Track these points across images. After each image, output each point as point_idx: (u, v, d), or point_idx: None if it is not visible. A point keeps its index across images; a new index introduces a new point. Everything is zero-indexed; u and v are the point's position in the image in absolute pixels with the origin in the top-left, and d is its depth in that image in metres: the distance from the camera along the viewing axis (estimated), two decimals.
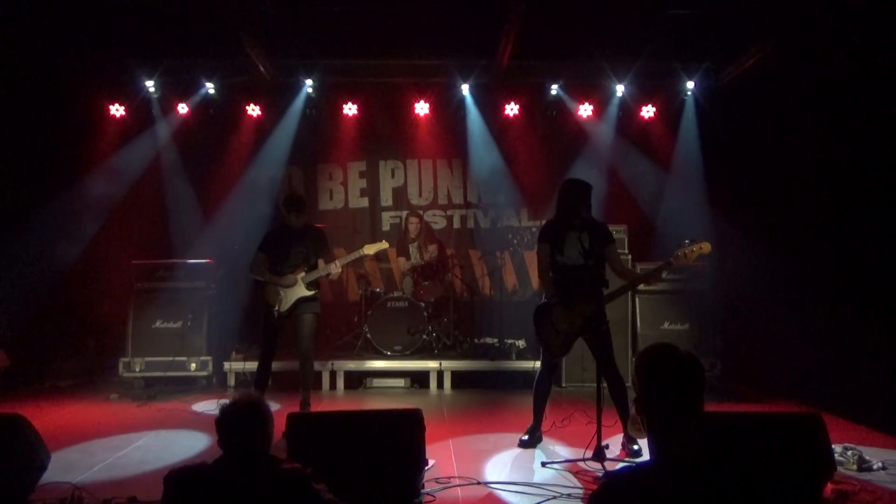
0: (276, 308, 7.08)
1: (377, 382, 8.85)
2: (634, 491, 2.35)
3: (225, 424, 3.16)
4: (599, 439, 5.36)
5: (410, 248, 9.83)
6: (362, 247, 7.48)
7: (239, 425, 3.14)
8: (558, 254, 5.88)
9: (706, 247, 5.42)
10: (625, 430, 5.84)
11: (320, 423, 4.63)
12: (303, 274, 7.15)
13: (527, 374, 8.82)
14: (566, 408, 7.26)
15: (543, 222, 6.21)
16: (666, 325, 8.76)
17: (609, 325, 5.75)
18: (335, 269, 7.11)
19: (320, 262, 7.20)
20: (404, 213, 10.53)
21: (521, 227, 10.71)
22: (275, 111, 10.06)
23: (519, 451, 5.96)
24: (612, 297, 5.79)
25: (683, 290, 8.80)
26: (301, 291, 7.13)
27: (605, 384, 5.69)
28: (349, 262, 7.64)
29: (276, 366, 8.19)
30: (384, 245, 7.69)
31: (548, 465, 5.48)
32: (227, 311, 9.13)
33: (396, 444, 4.56)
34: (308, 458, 3.67)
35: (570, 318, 5.74)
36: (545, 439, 6.18)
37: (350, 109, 10.03)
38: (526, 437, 6.08)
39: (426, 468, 4.80)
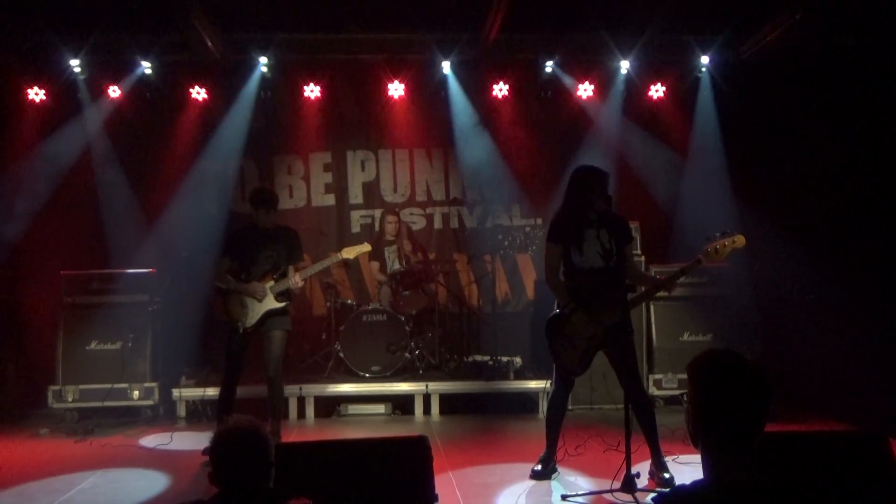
0: (241, 323, 7.03)
1: (353, 409, 8.82)
2: None
3: (222, 455, 3.12)
4: (629, 467, 5.39)
5: (386, 252, 9.81)
6: (339, 251, 7.49)
7: (239, 456, 3.10)
8: (576, 255, 5.87)
9: (740, 240, 5.47)
10: (654, 456, 5.88)
11: (311, 454, 4.57)
12: (272, 283, 7.10)
13: (526, 396, 8.90)
14: (577, 433, 7.30)
15: (551, 218, 6.16)
16: (686, 336, 8.86)
17: (633, 336, 5.78)
18: (296, 281, 7.09)
19: (291, 270, 7.17)
20: (377, 212, 10.50)
21: (513, 226, 10.74)
22: (224, 95, 9.96)
23: (532, 483, 5.98)
24: (634, 305, 5.82)
25: (705, 296, 8.90)
26: (270, 304, 7.09)
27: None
28: (322, 270, 7.64)
29: (240, 391, 8.17)
30: (366, 248, 7.70)
31: (569, 499, 5.50)
32: (174, 329, 9.05)
33: (401, 477, 4.51)
34: (298, 494, 3.64)
35: (590, 329, 5.76)
36: (559, 469, 6.22)
37: (312, 92, 9.97)
38: (539, 468, 6.10)
39: None
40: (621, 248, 5.89)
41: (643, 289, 5.96)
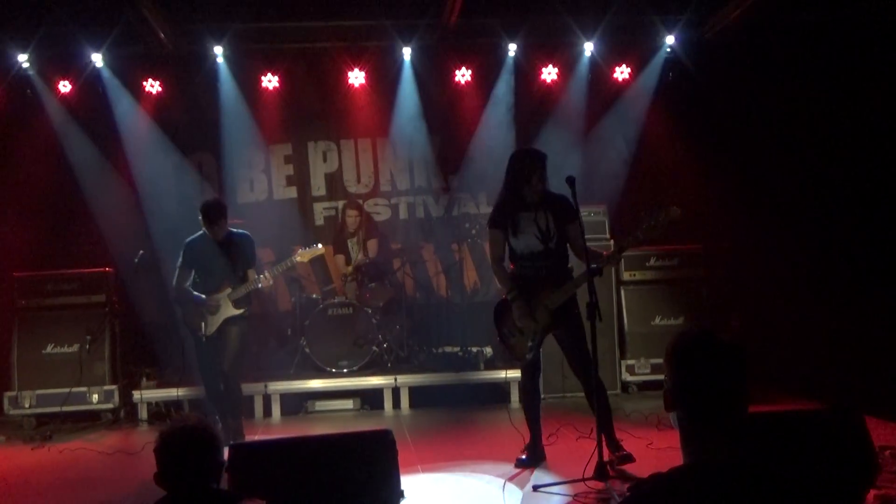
0: (201, 333, 7.11)
1: (321, 405, 8.72)
2: (667, 498, 2.32)
3: (168, 455, 3.02)
4: (601, 455, 5.32)
5: (350, 245, 9.69)
6: (294, 253, 7.61)
7: (186, 455, 3.00)
8: (512, 240, 5.88)
9: (674, 212, 5.36)
10: (608, 437, 5.78)
11: (270, 453, 4.47)
12: (229, 290, 7.16)
13: (498, 387, 8.84)
14: (550, 422, 7.17)
15: (493, 206, 6.19)
16: (657, 319, 8.83)
17: (581, 318, 5.72)
18: (265, 280, 7.17)
19: (250, 274, 7.22)
20: (341, 204, 10.39)
21: (480, 214, 10.60)
22: (178, 87, 9.86)
23: (507, 474, 5.92)
24: (578, 284, 5.72)
25: (676, 279, 8.86)
26: (228, 311, 7.19)
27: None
28: (281, 272, 7.74)
29: (197, 391, 8.09)
30: (320, 251, 7.79)
31: (541, 489, 5.43)
32: (134, 330, 8.97)
33: (365, 473, 4.42)
34: (257, 496, 3.53)
35: (534, 312, 5.74)
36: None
37: (270, 82, 9.88)
38: (525, 457, 6.07)
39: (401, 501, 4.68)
40: (562, 228, 5.81)
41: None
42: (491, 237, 6.02)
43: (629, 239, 5.55)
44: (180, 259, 7.30)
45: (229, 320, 7.14)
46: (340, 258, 9.80)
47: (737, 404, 2.45)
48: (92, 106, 9.71)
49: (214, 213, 7.07)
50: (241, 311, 7.16)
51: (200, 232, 7.23)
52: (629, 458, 5.68)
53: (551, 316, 5.71)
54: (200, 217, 7.11)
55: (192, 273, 7.22)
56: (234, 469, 4.22)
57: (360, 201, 10.10)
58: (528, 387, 6.09)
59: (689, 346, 2.54)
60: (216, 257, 7.15)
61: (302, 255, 7.49)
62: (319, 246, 7.76)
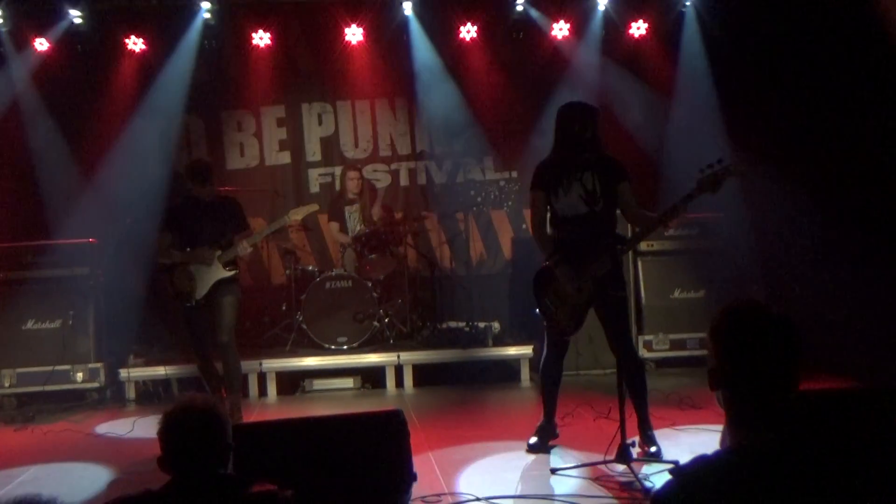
0: (192, 296, 7.09)
1: (319, 384, 8.71)
2: (713, 485, 2.29)
3: (173, 438, 2.99)
4: (624, 436, 5.30)
5: (347, 212, 9.65)
6: (286, 213, 7.50)
7: (192, 438, 2.97)
8: (555, 202, 5.76)
9: (737, 168, 5.30)
10: (642, 427, 5.79)
11: (275, 433, 4.48)
12: (218, 252, 7.14)
13: (506, 364, 8.86)
14: (564, 402, 7.12)
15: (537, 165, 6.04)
16: (677, 293, 8.83)
17: (626, 293, 5.64)
18: (244, 246, 7.14)
19: (237, 239, 7.19)
20: (337, 170, 10.38)
21: (486, 180, 10.64)
22: (163, 44, 9.77)
23: (521, 458, 5.90)
24: (628, 247, 5.70)
25: (696, 249, 8.83)
26: (219, 273, 7.16)
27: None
28: (271, 233, 7.73)
29: (187, 370, 8.09)
30: (314, 207, 7.77)
31: (560, 473, 5.42)
32: (120, 304, 8.88)
33: (375, 455, 4.43)
34: (261, 479, 3.52)
35: (579, 282, 5.63)
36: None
37: (261, 39, 9.83)
38: (535, 439, 6.02)
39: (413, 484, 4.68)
40: (611, 190, 5.73)
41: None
42: (532, 199, 5.88)
43: (687, 196, 5.35)
44: (162, 222, 7.32)
45: (220, 285, 7.12)
46: (335, 226, 9.77)
47: (788, 382, 2.44)
48: (70, 65, 9.65)
49: (192, 173, 7.11)
50: (232, 273, 7.16)
51: (183, 197, 7.27)
52: (657, 456, 5.64)
53: (596, 286, 5.57)
54: (186, 175, 7.15)
55: (172, 238, 7.20)
56: (237, 451, 4.20)
57: (359, 166, 10.05)
58: (551, 365, 6.00)
59: (737, 320, 2.51)
60: (202, 221, 7.14)
61: (296, 213, 7.45)
62: (314, 204, 7.76)
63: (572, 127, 5.65)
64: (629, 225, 6.05)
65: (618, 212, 5.84)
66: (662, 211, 5.49)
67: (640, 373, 5.84)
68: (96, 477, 6.01)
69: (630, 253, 8.75)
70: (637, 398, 5.77)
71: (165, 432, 3.01)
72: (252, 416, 7.52)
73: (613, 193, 5.72)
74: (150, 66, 9.82)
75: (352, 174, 9.65)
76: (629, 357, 5.75)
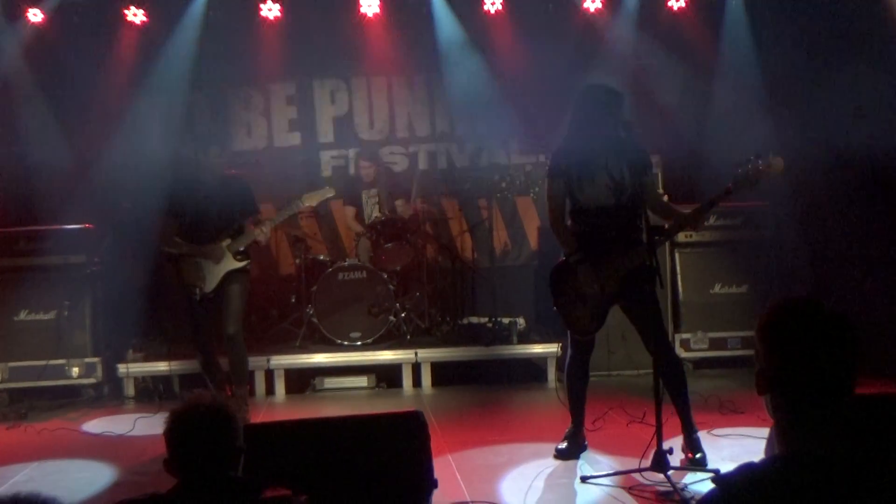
0: (199, 289, 7.12)
1: (330, 382, 8.76)
2: (759, 497, 2.28)
3: (180, 438, 3.02)
4: (660, 442, 5.31)
5: (364, 197, 9.67)
6: (299, 197, 7.53)
7: (201, 438, 3.00)
8: (578, 191, 5.74)
9: (777, 163, 5.29)
10: (686, 431, 5.80)
11: (288, 435, 4.48)
12: (228, 241, 7.19)
13: (532, 363, 8.89)
14: (595, 405, 7.15)
15: (553, 151, 6.02)
16: (717, 287, 8.81)
17: (655, 287, 5.62)
18: (262, 233, 7.19)
19: (247, 226, 7.23)
20: (351, 152, 10.44)
21: (511, 164, 10.67)
22: (166, 16, 9.80)
23: (548, 464, 5.93)
24: (658, 244, 5.66)
25: (740, 241, 8.80)
26: (229, 264, 7.22)
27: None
28: (283, 220, 7.69)
29: (190, 366, 8.14)
30: (329, 192, 7.73)
31: (590, 481, 5.44)
32: (118, 294, 8.94)
33: (394, 460, 4.43)
34: (274, 483, 3.55)
35: (600, 279, 5.64)
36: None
37: (270, 11, 9.86)
38: (564, 446, 6.04)
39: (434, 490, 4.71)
40: (638, 180, 5.73)
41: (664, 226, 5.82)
42: (551, 188, 5.83)
43: (721, 193, 5.35)
44: (167, 205, 7.32)
45: (230, 275, 7.18)
46: (350, 210, 9.80)
47: (843, 386, 2.42)
48: (66, 38, 9.65)
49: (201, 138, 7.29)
50: (242, 263, 7.22)
51: (188, 177, 7.32)
52: (701, 464, 5.64)
53: (619, 284, 5.59)
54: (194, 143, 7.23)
55: (178, 224, 7.24)
56: (248, 453, 4.24)
57: (376, 147, 10.05)
58: (577, 366, 6.01)
59: (789, 317, 2.50)
60: (209, 204, 7.15)
61: (309, 199, 7.47)
62: (329, 188, 7.74)
63: (596, 111, 5.65)
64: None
65: None
66: (694, 208, 5.52)
67: (680, 373, 5.83)
68: (95, 478, 6.06)
69: (667, 244, 8.74)
70: (679, 400, 5.76)
71: (173, 432, 3.03)
72: (259, 415, 7.58)
73: (641, 184, 5.71)
74: (152, 39, 9.85)
75: (364, 164, 9.65)
76: (667, 356, 5.75)
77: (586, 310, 5.76)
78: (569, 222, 5.87)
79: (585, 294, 5.71)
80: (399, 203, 9.73)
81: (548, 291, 5.98)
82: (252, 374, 8.43)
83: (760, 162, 5.24)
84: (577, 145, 5.78)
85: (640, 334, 5.82)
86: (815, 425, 2.37)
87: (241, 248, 7.19)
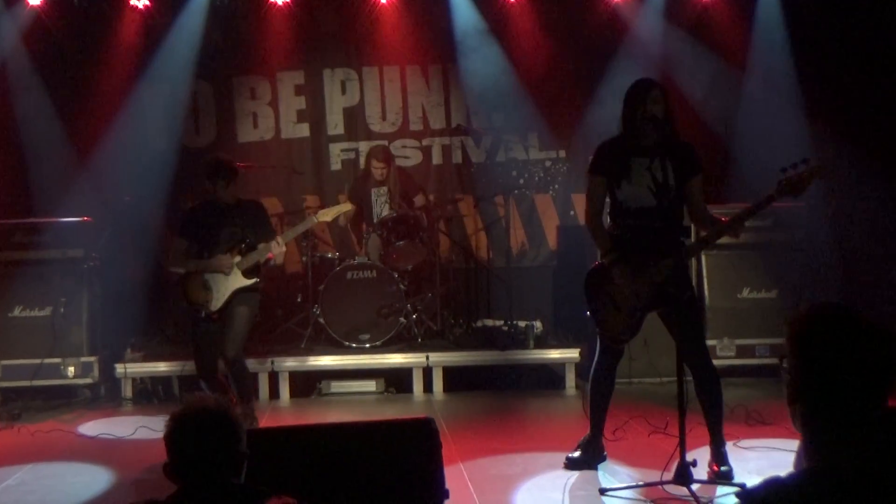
0: (205, 308, 7.16)
1: (337, 387, 8.77)
2: None
3: (181, 443, 3.03)
4: (683, 454, 5.31)
5: (374, 195, 9.66)
6: (314, 212, 7.70)
7: (203, 443, 3.01)
8: (620, 190, 5.73)
9: (820, 168, 5.32)
10: (715, 443, 5.79)
11: (292, 441, 4.49)
12: (238, 258, 7.20)
13: (549, 369, 8.90)
14: (615, 414, 7.15)
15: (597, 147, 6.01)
16: (745, 292, 8.77)
17: (694, 294, 5.60)
18: (277, 247, 7.20)
19: (261, 246, 7.26)
20: (362, 145, 10.46)
21: (530, 160, 10.65)
22: (170, 1, 9.87)
23: (564, 475, 5.92)
24: (695, 251, 5.70)
25: (769, 243, 8.77)
26: (238, 281, 7.22)
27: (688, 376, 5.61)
28: (297, 234, 7.87)
29: (191, 367, 8.12)
30: (345, 207, 7.88)
31: (610, 493, 5.45)
32: (117, 291, 8.99)
33: (403, 468, 4.44)
34: (278, 491, 3.57)
35: (637, 285, 5.63)
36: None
37: None
38: (577, 454, 6.03)
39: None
40: (683, 182, 5.72)
41: (701, 234, 5.84)
42: (590, 186, 5.85)
43: (763, 200, 5.32)
44: (177, 227, 7.43)
45: (239, 294, 7.19)
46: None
47: (876, 398, 2.43)
48: (65, 23, 9.73)
49: (213, 172, 7.13)
50: (251, 281, 7.22)
51: (202, 201, 7.40)
52: (727, 477, 5.64)
53: (657, 290, 5.56)
54: (205, 175, 7.17)
55: (188, 245, 7.28)
56: (252, 459, 4.25)
57: (386, 142, 10.06)
58: (603, 372, 5.99)
59: (822, 325, 2.50)
60: (221, 226, 7.21)
61: (324, 214, 7.51)
62: (347, 202, 7.74)
63: (640, 106, 5.62)
64: (692, 226, 6.05)
65: None
66: (733, 216, 5.53)
67: (717, 384, 5.82)
68: (91, 483, 6.09)
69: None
70: (713, 412, 5.76)
71: (174, 436, 3.03)
72: (262, 420, 7.56)
73: (685, 187, 5.72)
74: (155, 25, 9.91)
75: (376, 163, 9.53)
76: (706, 366, 5.76)
77: (621, 317, 5.74)
78: (606, 222, 5.89)
79: (622, 299, 5.70)
80: (418, 198, 9.73)
81: (566, 293, 5.99)
82: (255, 376, 8.43)
83: (805, 167, 5.24)
84: (621, 142, 5.80)
85: (678, 341, 5.76)
86: (845, 439, 2.37)
87: (251, 265, 7.19)
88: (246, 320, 7.24)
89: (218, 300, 7.17)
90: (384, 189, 9.61)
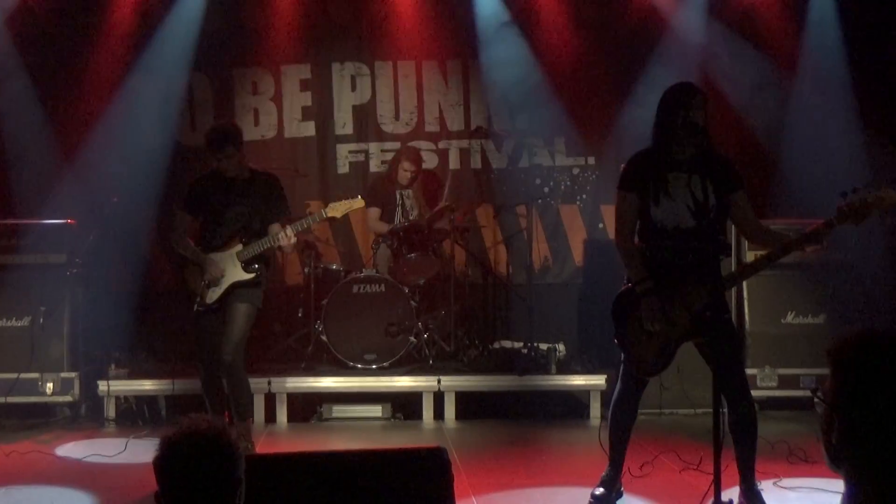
0: (200, 298, 7.15)
1: (339, 411, 8.80)
2: None
3: (173, 469, 3.07)
4: (718, 493, 5.30)
5: (399, 196, 9.73)
6: (323, 205, 7.73)
7: (196, 470, 3.05)
8: (656, 208, 5.72)
9: (891, 196, 5.31)
10: (748, 481, 5.81)
11: (293, 469, 4.52)
12: (238, 247, 7.17)
13: (572, 397, 8.92)
14: (643, 447, 7.24)
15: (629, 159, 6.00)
16: (790, 317, 8.78)
17: (732, 322, 5.57)
18: (286, 238, 7.15)
19: (273, 229, 7.20)
20: (373, 146, 10.56)
21: (556, 166, 10.66)
22: None
23: None
24: (743, 276, 5.66)
25: (817, 263, 8.76)
26: (236, 274, 7.19)
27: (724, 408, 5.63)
28: (304, 229, 7.66)
29: (180, 386, 8.18)
30: (358, 203, 7.65)
31: None
32: (101, 301, 9.02)
33: (411, 501, 4.48)
34: None
35: (670, 312, 5.64)
36: (624, 494, 6.16)
37: None
38: (601, 491, 6.02)
39: None
40: (723, 200, 5.71)
41: (759, 253, 5.82)
42: (620, 202, 5.82)
43: (821, 226, 5.33)
44: (184, 199, 7.39)
45: (237, 289, 7.17)
46: (375, 212, 9.77)
47: None
48: (53, 10, 9.83)
49: (213, 139, 7.11)
50: (252, 275, 7.18)
51: (210, 171, 7.35)
52: None
53: (693, 319, 5.56)
54: (206, 146, 7.17)
55: (192, 219, 7.31)
56: (249, 487, 4.30)
57: (419, 156, 10.04)
58: (625, 403, 5.97)
59: (866, 354, 2.53)
60: (228, 203, 7.19)
61: (333, 209, 7.42)
62: (359, 197, 7.66)
63: (678, 115, 5.60)
64: (745, 242, 6.03)
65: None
66: (789, 239, 5.54)
67: (755, 418, 5.80)
68: None
69: (733, 265, 8.65)
70: (748, 447, 5.75)
71: (164, 462, 3.06)
72: (258, 446, 7.56)
73: (726, 203, 5.72)
74: (150, 12, 9.96)
75: (406, 164, 9.65)
76: (745, 398, 5.75)
77: (652, 346, 5.71)
78: (640, 243, 5.85)
79: (650, 327, 5.69)
80: (452, 207, 9.65)
81: (593, 313, 5.99)
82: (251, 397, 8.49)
83: (870, 194, 5.25)
84: (657, 156, 5.77)
85: (716, 372, 5.75)
86: (881, 479, 2.39)
87: (253, 255, 7.15)
88: (244, 318, 7.21)
89: (214, 293, 7.16)
90: (409, 192, 9.66)
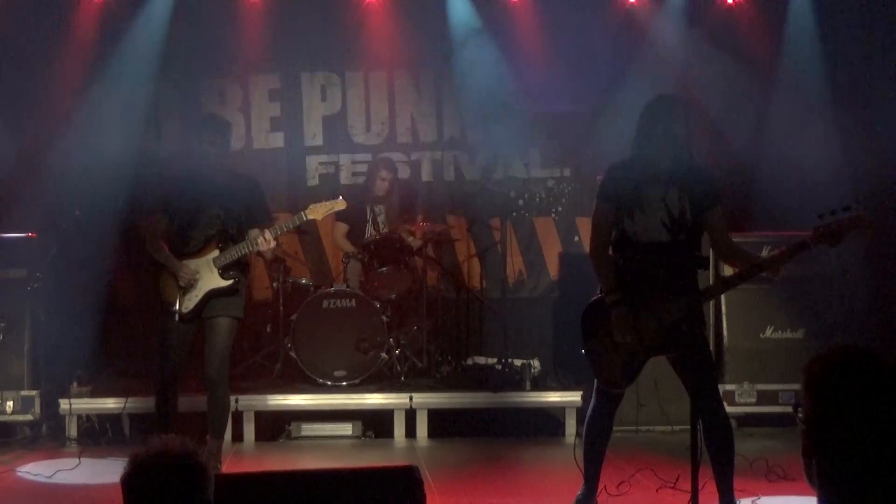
0: (175, 307, 7.04)
1: (308, 429, 8.78)
2: None
3: (139, 489, 3.09)
4: None
5: (374, 211, 9.74)
6: (304, 207, 7.50)
7: (164, 492, 3.07)
8: (627, 221, 5.79)
9: (863, 219, 5.40)
10: (723, 501, 5.87)
11: (260, 489, 4.56)
12: (215, 253, 7.13)
13: (547, 414, 8.95)
14: (620, 465, 7.30)
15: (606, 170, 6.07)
16: (769, 331, 8.84)
17: (706, 338, 5.64)
18: (266, 242, 7.07)
19: (251, 233, 7.12)
20: (343, 157, 10.56)
21: (531, 178, 10.70)
22: None
23: None
24: (713, 293, 5.73)
25: (796, 278, 8.79)
26: (213, 281, 7.13)
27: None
28: (285, 232, 7.64)
29: (144, 404, 8.16)
30: (340, 205, 7.58)
31: None
32: (63, 317, 8.96)
33: None
34: None
35: (641, 326, 5.72)
36: None
37: None
38: None
39: None
40: (700, 214, 5.78)
41: (731, 272, 5.89)
42: (596, 213, 5.89)
43: (794, 246, 5.47)
44: (160, 200, 7.37)
45: (214, 299, 7.13)
46: (342, 227, 9.81)
47: None
48: (13, 15, 9.74)
49: (208, 126, 7.25)
50: (229, 282, 7.12)
51: (187, 171, 7.37)
52: None
53: (663, 334, 5.63)
54: (202, 127, 7.26)
55: (168, 220, 7.22)
56: None
57: (394, 165, 10.03)
58: (599, 419, 6.04)
59: (839, 370, 2.57)
60: (205, 205, 7.13)
61: (314, 211, 7.36)
62: (340, 198, 7.60)
63: (658, 127, 5.68)
64: (717, 261, 6.09)
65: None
66: (763, 258, 5.65)
67: (730, 434, 5.87)
68: None
69: (710, 279, 8.74)
70: (724, 464, 5.80)
71: (133, 482, 3.07)
72: (224, 465, 7.53)
73: (701, 219, 5.77)
74: (114, 18, 9.95)
75: (384, 174, 9.68)
76: (717, 413, 5.80)
77: (620, 359, 5.77)
78: (614, 255, 5.90)
79: (620, 340, 5.74)
80: (440, 226, 9.85)
81: (569, 328, 6.02)
82: None
83: (848, 215, 5.33)
84: (635, 168, 5.83)
85: (687, 386, 5.82)
86: (864, 497, 2.44)
87: (230, 261, 7.10)
88: (226, 332, 7.19)
89: (189, 301, 7.08)
90: (381, 207, 9.69)
